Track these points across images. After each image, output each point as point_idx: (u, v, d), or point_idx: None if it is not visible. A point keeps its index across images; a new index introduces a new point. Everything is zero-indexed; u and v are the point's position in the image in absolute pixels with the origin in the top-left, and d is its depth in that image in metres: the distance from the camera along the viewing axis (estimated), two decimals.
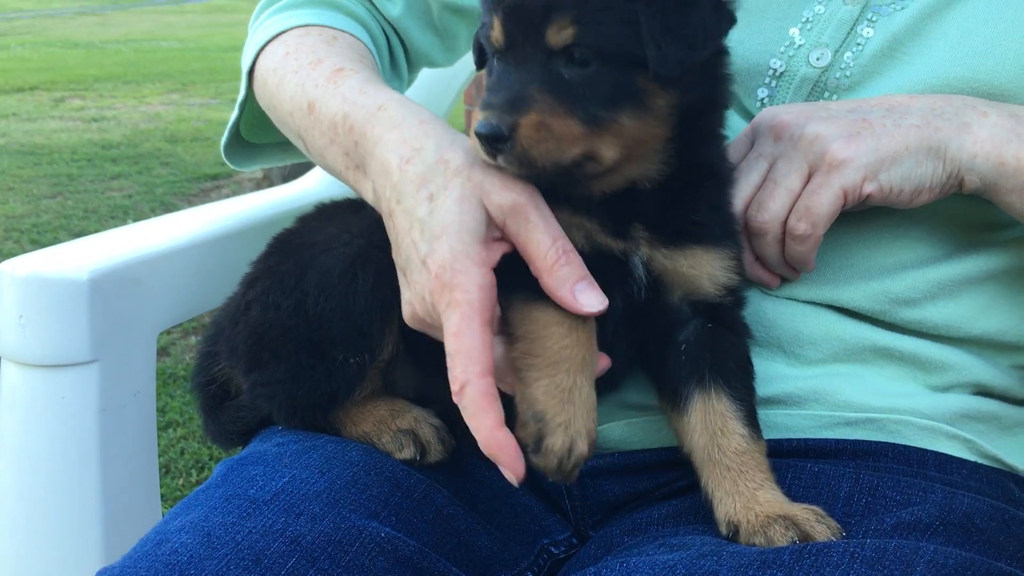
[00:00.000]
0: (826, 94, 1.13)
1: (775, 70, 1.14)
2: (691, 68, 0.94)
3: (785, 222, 1.03)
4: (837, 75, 1.12)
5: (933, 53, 1.09)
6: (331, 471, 1.01)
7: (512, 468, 0.87)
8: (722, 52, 1.02)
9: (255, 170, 1.42)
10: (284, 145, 1.39)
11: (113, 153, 8.94)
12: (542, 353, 0.93)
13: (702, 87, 0.99)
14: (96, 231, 6.68)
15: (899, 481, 1.03)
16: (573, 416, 0.91)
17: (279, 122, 1.24)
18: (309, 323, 1.09)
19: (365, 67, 1.16)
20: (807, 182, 1.02)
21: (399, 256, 0.98)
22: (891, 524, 0.97)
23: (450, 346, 0.90)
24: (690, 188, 1.01)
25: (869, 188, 1.01)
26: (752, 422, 1.01)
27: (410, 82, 1.47)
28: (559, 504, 1.18)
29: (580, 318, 0.93)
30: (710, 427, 1.01)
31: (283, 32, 1.25)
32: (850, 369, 1.12)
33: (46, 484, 1.30)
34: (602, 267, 0.96)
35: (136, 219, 6.84)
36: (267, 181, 7.66)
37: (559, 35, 0.92)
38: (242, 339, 1.14)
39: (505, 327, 0.95)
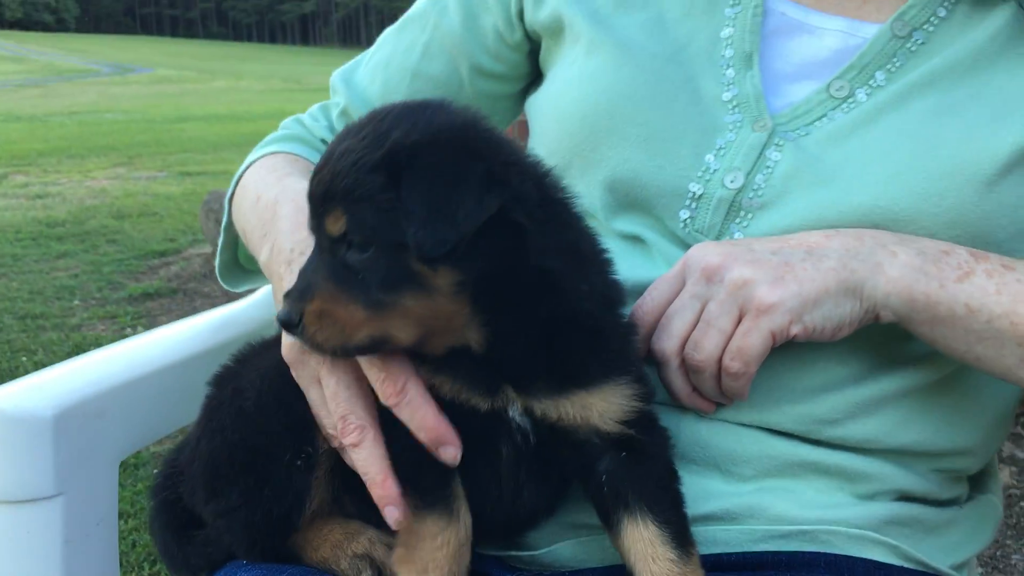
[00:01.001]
0: (742, 212, 1.21)
1: (694, 193, 1.23)
2: (459, 245, 0.95)
3: (720, 359, 1.11)
4: (750, 195, 1.21)
5: (838, 179, 1.18)
6: None
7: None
8: (512, 222, 1.00)
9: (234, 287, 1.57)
10: None
11: (58, 231, 8.88)
12: (414, 560, 1.05)
13: (492, 257, 0.99)
14: (42, 313, 6.59)
15: None
16: None
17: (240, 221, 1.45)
18: (251, 426, 1.16)
19: (304, 176, 1.33)
20: (738, 323, 1.10)
21: None
22: None
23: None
24: (556, 340, 1.04)
25: (795, 329, 1.09)
26: (682, 542, 1.07)
27: None
28: None
29: (455, 525, 1.06)
30: (641, 553, 1.07)
31: (254, 161, 1.47)
32: (782, 484, 1.19)
33: None
34: (478, 422, 1.04)
35: (82, 299, 6.81)
36: None
37: (335, 224, 1.00)
38: (199, 473, 1.20)
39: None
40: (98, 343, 5.78)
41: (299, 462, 1.14)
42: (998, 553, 3.25)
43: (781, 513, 1.18)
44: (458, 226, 0.95)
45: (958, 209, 1.15)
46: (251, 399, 1.16)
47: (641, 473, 1.10)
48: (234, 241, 1.53)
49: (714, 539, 1.17)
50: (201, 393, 1.29)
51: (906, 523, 1.21)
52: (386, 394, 1.05)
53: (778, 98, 1.26)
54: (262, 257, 1.28)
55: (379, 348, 1.01)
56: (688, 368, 1.13)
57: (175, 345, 1.54)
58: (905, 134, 1.18)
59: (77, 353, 5.66)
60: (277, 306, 1.17)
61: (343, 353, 1.02)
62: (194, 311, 6.58)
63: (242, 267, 1.60)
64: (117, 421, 1.39)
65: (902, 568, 1.18)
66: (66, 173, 11.66)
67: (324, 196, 1.01)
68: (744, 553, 1.17)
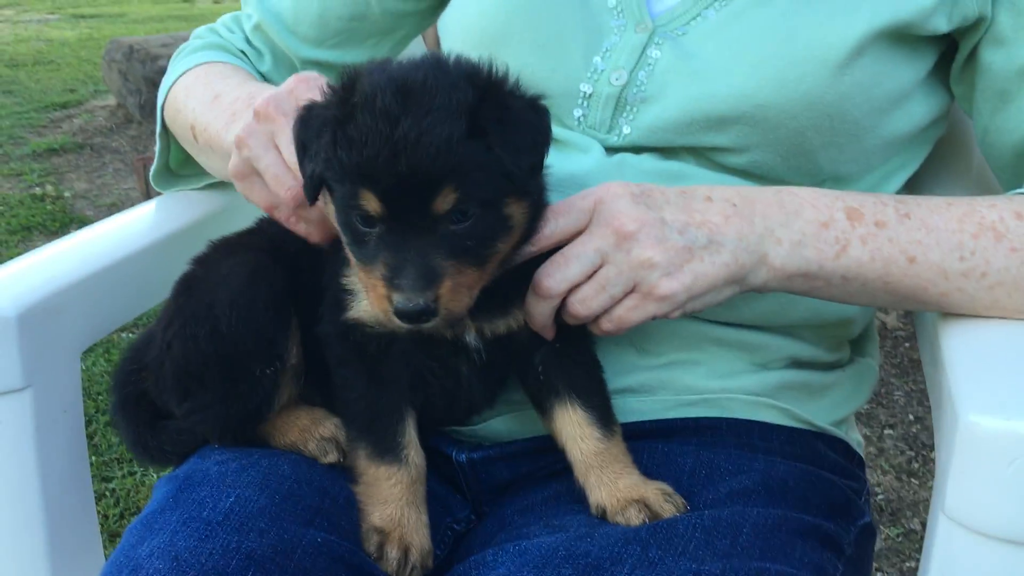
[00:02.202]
0: (628, 107, 1.33)
1: (585, 93, 1.35)
2: (539, 167, 1.10)
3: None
4: (634, 91, 1.33)
5: (710, 72, 1.29)
6: (269, 487, 1.19)
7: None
8: None
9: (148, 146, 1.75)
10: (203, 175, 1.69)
11: None
12: (375, 494, 1.19)
13: (539, 181, 1.15)
14: None
15: (731, 454, 1.28)
16: (404, 532, 1.17)
17: (177, 120, 1.57)
18: (225, 344, 1.26)
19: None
20: (628, 293, 1.17)
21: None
22: (725, 492, 1.23)
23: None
24: (509, 271, 1.17)
25: (675, 315, 1.19)
26: (606, 421, 1.23)
27: None
28: (459, 487, 1.40)
29: (405, 468, 1.20)
30: (571, 434, 1.23)
31: (193, 67, 1.56)
32: (689, 357, 1.35)
33: None
34: (438, 347, 1.17)
35: None
36: (122, 109, 7.44)
37: (445, 202, 1.04)
38: (170, 375, 1.30)
39: (351, 468, 1.22)
40: (6, 203, 5.67)
41: (269, 371, 1.26)
42: (883, 390, 3.58)
43: (689, 384, 1.35)
44: (540, 150, 1.09)
45: (815, 92, 1.26)
46: (223, 320, 1.24)
47: (569, 364, 1.24)
48: (166, 147, 1.66)
49: (631, 409, 1.34)
50: (155, 283, 1.40)
51: (795, 387, 1.40)
52: None
53: (658, 3, 1.37)
54: (228, 140, 1.36)
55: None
56: (564, 309, 1.20)
57: (128, 237, 1.61)
58: (767, 27, 1.28)
59: None
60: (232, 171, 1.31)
61: (462, 313, 1.10)
62: (103, 167, 6.46)
63: (172, 172, 1.72)
64: (76, 315, 1.47)
65: (791, 428, 1.37)
66: None
67: (428, 179, 1.02)
68: (657, 420, 1.34)
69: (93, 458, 3.24)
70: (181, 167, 1.72)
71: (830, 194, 1.24)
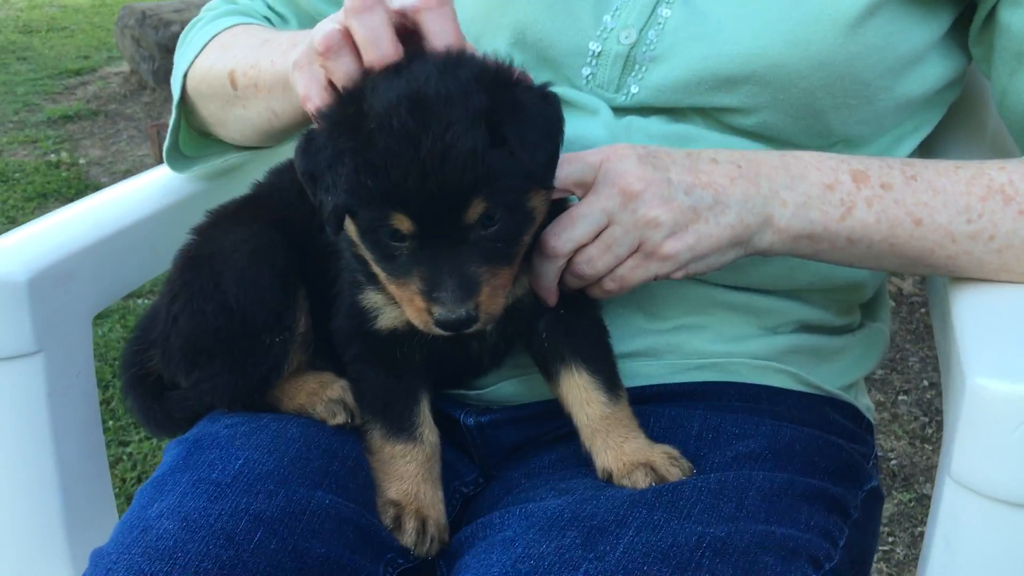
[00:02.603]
0: (636, 66, 1.31)
1: (594, 51, 1.33)
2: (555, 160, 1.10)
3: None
4: (643, 50, 1.31)
5: (720, 31, 1.27)
6: (277, 450, 1.20)
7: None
8: None
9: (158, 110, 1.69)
10: (219, 152, 1.67)
11: None
12: (390, 471, 1.21)
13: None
14: None
15: (737, 418, 1.28)
16: (421, 506, 1.19)
17: (208, 77, 1.53)
18: (235, 318, 1.27)
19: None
20: (632, 253, 1.18)
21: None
22: (731, 456, 1.23)
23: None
24: None
25: (678, 275, 1.19)
26: (611, 386, 1.23)
27: None
28: (467, 450, 1.41)
29: (420, 446, 1.22)
30: (577, 399, 1.23)
31: (224, 30, 1.53)
32: (697, 321, 1.35)
33: (4, 462, 1.45)
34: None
35: (0, 122, 6.61)
36: (136, 75, 7.44)
37: (475, 212, 1.04)
38: (177, 348, 1.31)
39: (365, 444, 1.24)
40: (21, 169, 5.70)
41: (278, 339, 1.27)
42: (897, 356, 3.57)
43: (696, 348, 1.34)
44: (555, 140, 1.10)
45: (825, 52, 1.24)
46: (231, 295, 1.25)
47: (574, 329, 1.24)
48: (178, 125, 1.61)
49: (638, 373, 1.33)
50: (167, 248, 1.40)
51: (804, 351, 1.39)
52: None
53: None
54: (283, 64, 1.34)
55: None
56: (570, 270, 1.20)
57: (139, 202, 1.62)
58: None
59: (2, 182, 5.57)
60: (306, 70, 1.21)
61: (500, 313, 1.11)
62: (117, 135, 6.47)
63: (183, 155, 1.67)
64: (87, 280, 1.48)
65: (800, 393, 1.37)
66: None
67: (457, 194, 1.03)
68: (664, 384, 1.34)
69: (110, 423, 3.28)
70: (192, 149, 1.68)
71: (835, 158, 1.24)
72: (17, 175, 5.62)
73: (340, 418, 1.28)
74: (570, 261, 1.19)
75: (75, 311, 1.47)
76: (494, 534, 1.14)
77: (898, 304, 3.85)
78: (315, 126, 1.13)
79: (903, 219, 1.21)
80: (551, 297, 1.22)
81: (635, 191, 1.15)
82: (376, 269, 1.13)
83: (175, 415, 1.35)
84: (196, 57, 1.56)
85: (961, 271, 1.24)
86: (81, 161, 5.92)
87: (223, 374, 1.28)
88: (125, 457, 3.16)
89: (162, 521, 1.09)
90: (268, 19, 1.63)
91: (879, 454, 3.07)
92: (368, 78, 1.10)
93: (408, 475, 1.21)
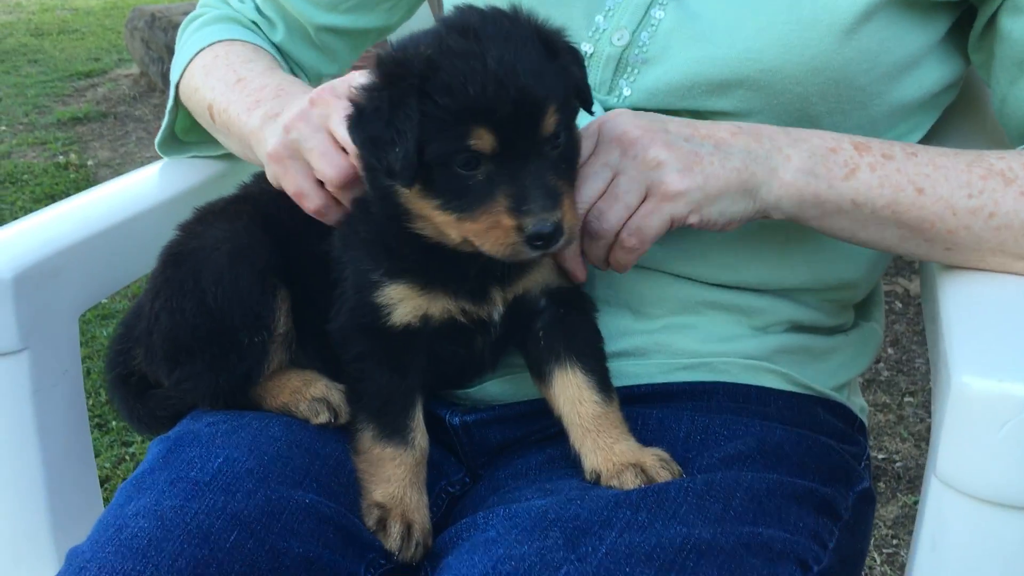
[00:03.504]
0: (629, 68, 1.30)
1: (587, 52, 1.32)
2: None
3: (618, 232, 1.18)
4: (636, 52, 1.30)
5: (714, 34, 1.26)
6: (258, 448, 1.19)
7: None
8: None
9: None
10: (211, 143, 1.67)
11: None
12: (378, 473, 1.19)
13: None
14: None
15: (726, 419, 1.26)
16: (407, 510, 1.18)
17: (194, 97, 1.58)
18: (213, 317, 1.27)
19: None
20: (643, 201, 1.17)
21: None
22: (719, 458, 1.21)
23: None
24: None
25: (693, 219, 1.18)
26: (604, 387, 1.22)
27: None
28: (454, 449, 1.39)
29: (411, 451, 1.20)
30: (570, 398, 1.21)
31: (210, 45, 1.57)
32: (686, 321, 1.33)
33: None
34: (463, 329, 1.17)
35: (9, 124, 6.63)
36: (145, 77, 7.46)
37: (550, 123, 1.06)
38: (158, 346, 1.31)
39: (353, 444, 1.22)
40: (30, 171, 5.71)
41: (257, 339, 1.26)
42: (904, 357, 3.54)
43: (685, 347, 1.33)
44: (585, 69, 1.16)
45: (821, 57, 1.23)
46: (210, 294, 1.25)
47: (573, 329, 1.23)
48: (174, 116, 1.65)
49: (627, 373, 1.32)
50: (154, 247, 1.39)
51: (795, 351, 1.37)
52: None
53: None
54: (252, 123, 1.39)
55: None
56: (585, 233, 1.19)
57: (127, 201, 1.61)
58: None
59: (11, 183, 5.58)
60: (264, 159, 1.33)
61: (575, 234, 1.13)
62: (126, 136, 6.49)
63: (178, 139, 1.71)
64: (74, 278, 1.47)
65: (790, 393, 1.35)
66: None
67: (534, 104, 1.04)
68: (653, 384, 1.32)
69: (113, 423, 3.28)
70: (186, 133, 1.71)
71: (835, 134, 1.24)
72: (26, 177, 5.64)
73: (323, 417, 1.26)
74: (584, 222, 1.17)
75: (61, 309, 1.47)
76: (477, 535, 1.13)
77: (905, 305, 3.82)
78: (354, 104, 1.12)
79: (906, 186, 1.20)
80: (578, 269, 1.22)
81: (634, 137, 1.16)
82: (440, 219, 1.09)
83: (158, 413, 1.35)
84: (185, 68, 1.58)
85: (959, 247, 1.22)
86: (90, 163, 5.94)
87: (204, 372, 1.27)
88: (128, 457, 3.16)
89: (138, 520, 1.08)
90: (256, 23, 1.64)
91: (884, 456, 3.06)
92: (401, 41, 1.12)
93: (396, 478, 1.20)
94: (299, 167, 1.26)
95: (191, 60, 1.58)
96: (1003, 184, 1.20)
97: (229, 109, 1.46)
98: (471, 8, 1.11)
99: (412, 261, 1.16)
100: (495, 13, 1.08)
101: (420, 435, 1.22)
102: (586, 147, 1.19)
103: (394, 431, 1.21)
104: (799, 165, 1.19)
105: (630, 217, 1.17)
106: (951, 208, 1.20)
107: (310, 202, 1.26)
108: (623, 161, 1.16)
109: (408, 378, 1.22)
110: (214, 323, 1.25)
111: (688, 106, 1.28)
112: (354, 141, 1.13)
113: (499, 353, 1.30)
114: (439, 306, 1.17)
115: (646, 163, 1.16)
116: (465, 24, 1.07)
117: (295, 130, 1.26)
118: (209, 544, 1.06)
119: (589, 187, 1.17)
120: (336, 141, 1.23)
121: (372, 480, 1.21)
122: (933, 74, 1.32)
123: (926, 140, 1.41)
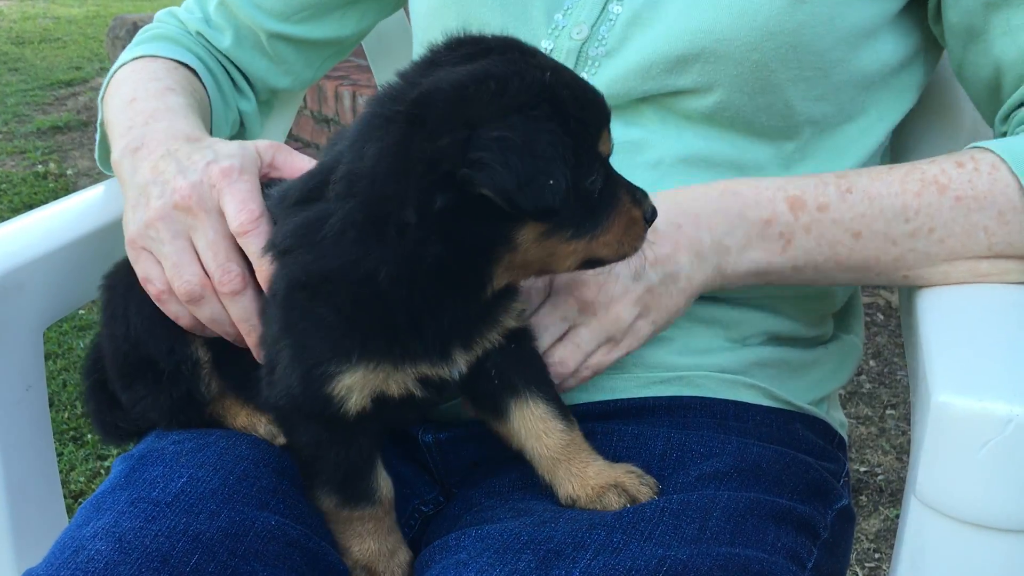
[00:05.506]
0: (589, 62, 1.31)
1: (547, 49, 1.33)
2: None
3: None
4: (595, 46, 1.31)
5: (668, 13, 1.27)
6: (224, 467, 1.15)
7: None
8: None
9: None
10: None
11: None
12: (348, 530, 1.17)
13: None
14: None
15: (703, 436, 1.24)
16: (388, 565, 1.17)
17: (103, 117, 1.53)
18: (137, 346, 1.26)
19: (185, 93, 1.46)
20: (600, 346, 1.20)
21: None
22: (695, 476, 1.18)
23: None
24: None
25: (644, 345, 1.23)
26: (564, 413, 1.17)
27: (266, 102, 1.65)
28: (427, 467, 1.36)
29: (379, 506, 1.16)
30: (533, 430, 1.16)
31: (131, 60, 1.53)
32: (663, 333, 1.30)
33: None
34: (423, 394, 1.10)
35: None
36: None
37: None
38: (110, 366, 1.30)
39: (317, 505, 1.17)
40: (9, 180, 5.66)
41: (183, 368, 1.24)
42: (885, 370, 3.53)
43: (662, 360, 1.30)
44: None
45: (773, 21, 1.22)
46: (132, 322, 1.25)
47: (523, 361, 1.17)
48: (103, 135, 1.57)
49: (603, 387, 1.29)
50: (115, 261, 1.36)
51: (773, 365, 1.35)
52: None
53: None
54: (115, 153, 1.35)
55: None
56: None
57: (92, 213, 1.57)
58: None
59: None
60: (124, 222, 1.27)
61: None
62: None
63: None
64: (37, 293, 1.44)
65: (768, 408, 1.33)
66: None
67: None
68: (629, 399, 1.30)
69: (89, 436, 3.24)
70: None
71: (772, 185, 1.24)
72: (4, 186, 5.58)
73: (282, 439, 1.22)
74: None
75: (25, 323, 1.43)
76: (448, 556, 1.10)
77: (886, 317, 3.81)
78: (483, 146, 0.94)
79: (842, 237, 1.22)
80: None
81: (589, 299, 1.18)
82: (567, 250, 1.03)
83: (120, 425, 1.32)
84: (106, 86, 1.54)
85: (912, 268, 1.23)
86: (69, 172, 5.88)
87: (148, 396, 1.26)
88: (103, 471, 3.12)
89: (95, 542, 1.04)
90: (201, 33, 1.61)
91: (866, 469, 3.04)
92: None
93: (367, 533, 1.17)
94: (153, 262, 1.22)
95: (110, 78, 1.54)
96: (938, 194, 1.21)
97: (113, 131, 1.42)
98: (482, 36, 1.07)
99: (399, 329, 1.05)
100: (502, 36, 1.08)
101: (385, 487, 1.17)
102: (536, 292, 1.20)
103: (360, 497, 1.16)
104: (737, 255, 1.22)
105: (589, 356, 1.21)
106: (891, 240, 1.22)
107: (169, 306, 1.21)
108: (583, 316, 1.19)
109: (364, 448, 1.15)
110: (140, 351, 1.25)
111: (649, 89, 1.28)
112: (494, 190, 0.94)
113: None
114: (398, 382, 1.08)
115: (608, 319, 1.19)
116: (509, 45, 1.05)
117: (154, 229, 1.20)
118: (168, 567, 1.02)
119: (546, 336, 1.19)
120: (194, 252, 1.18)
121: (344, 536, 1.18)
122: (889, 46, 1.33)
123: (899, 135, 1.43)
